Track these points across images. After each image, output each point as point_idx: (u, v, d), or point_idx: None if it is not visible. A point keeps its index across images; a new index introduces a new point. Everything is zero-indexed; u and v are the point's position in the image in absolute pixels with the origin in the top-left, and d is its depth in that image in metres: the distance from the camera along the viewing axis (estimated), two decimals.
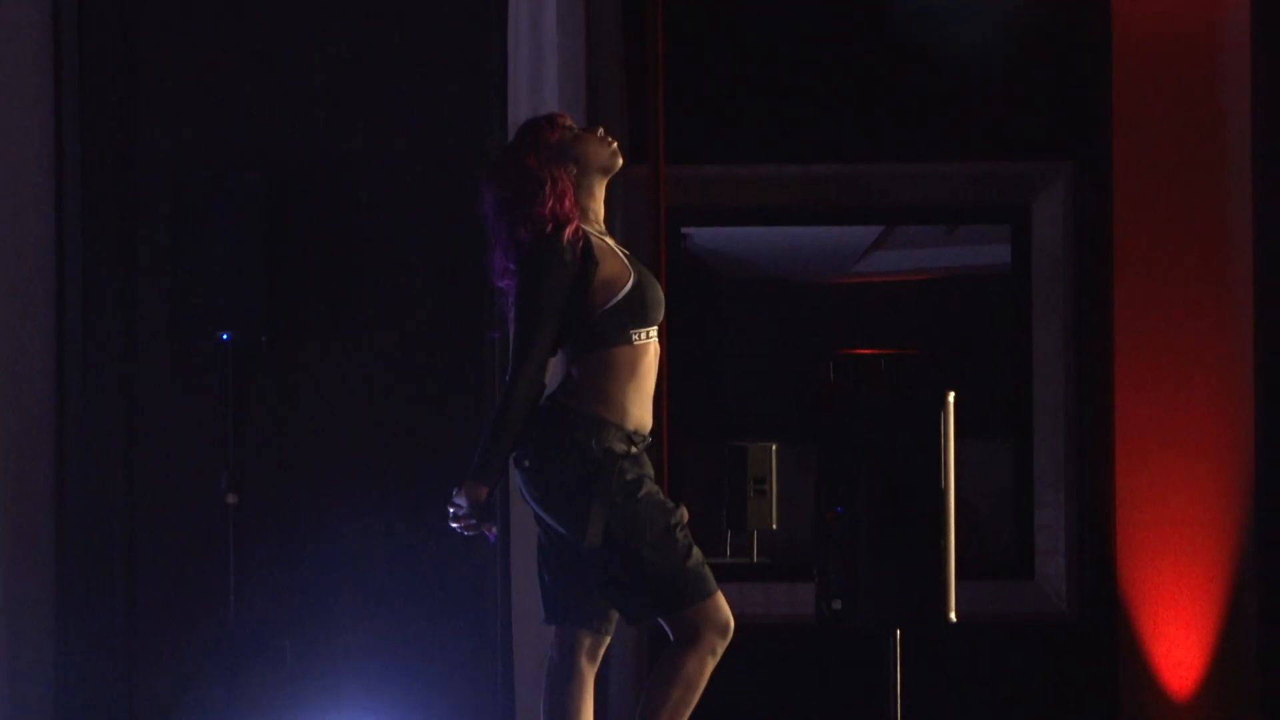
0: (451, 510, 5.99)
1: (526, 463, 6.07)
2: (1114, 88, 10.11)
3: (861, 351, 8.21)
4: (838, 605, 7.84)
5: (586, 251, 6.05)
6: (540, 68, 7.86)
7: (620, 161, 6.26)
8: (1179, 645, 10.05)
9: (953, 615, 7.83)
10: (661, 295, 6.20)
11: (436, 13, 8.45)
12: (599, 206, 6.22)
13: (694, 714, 6.13)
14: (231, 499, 8.25)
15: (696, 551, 6.09)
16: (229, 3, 8.55)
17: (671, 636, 6.11)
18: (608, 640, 6.24)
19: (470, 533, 6.02)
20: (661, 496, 6.13)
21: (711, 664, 6.09)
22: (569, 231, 6.04)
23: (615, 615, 6.21)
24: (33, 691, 8.09)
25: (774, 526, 8.20)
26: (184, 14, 8.55)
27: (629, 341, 6.08)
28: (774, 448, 8.22)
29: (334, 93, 8.49)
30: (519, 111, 7.75)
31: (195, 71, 8.50)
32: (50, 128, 8.21)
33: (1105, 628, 10.03)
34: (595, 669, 6.21)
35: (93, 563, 8.37)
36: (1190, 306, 10.12)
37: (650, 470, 6.15)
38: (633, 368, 6.09)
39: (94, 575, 8.36)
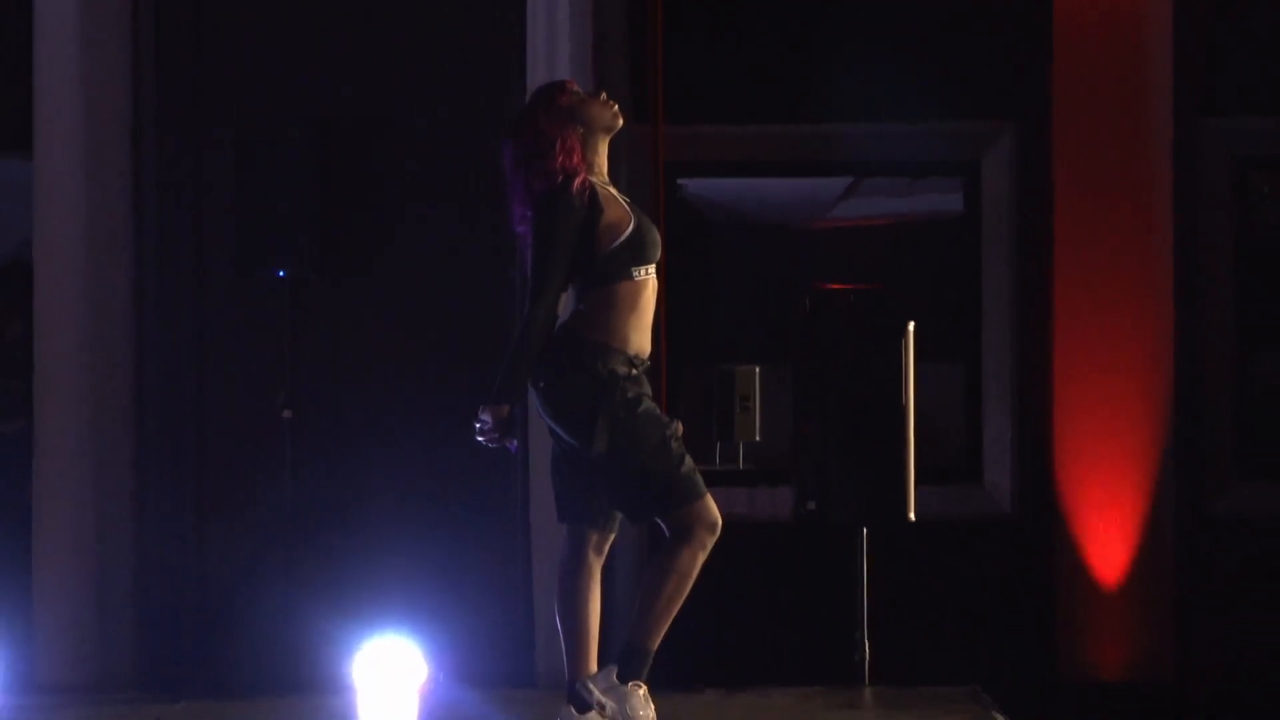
0: (478, 425, 5.99)
1: (542, 383, 6.07)
2: (1054, 56, 10.09)
3: (833, 286, 8.19)
4: (812, 506, 7.85)
5: (593, 200, 6.05)
6: (553, 40, 7.83)
7: (621, 122, 6.26)
8: (1108, 542, 10.06)
9: (912, 515, 7.85)
10: (658, 237, 6.20)
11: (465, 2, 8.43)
12: (603, 161, 6.21)
13: (686, 602, 6.14)
14: (287, 414, 8.25)
15: (689, 459, 6.10)
16: None
17: (667, 533, 6.11)
18: (612, 537, 6.25)
19: (494, 444, 6.03)
20: (658, 412, 6.13)
21: (702, 557, 6.09)
22: (577, 183, 6.03)
23: (618, 515, 6.21)
24: (117, 573, 8.09)
25: (757, 438, 8.20)
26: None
27: (630, 278, 6.07)
28: (757, 370, 8.22)
29: (376, 61, 8.46)
30: (535, 78, 7.72)
31: (255, 40, 8.46)
32: (129, 94, 8.16)
33: (1044, 527, 10.04)
34: (601, 562, 6.22)
35: (167, 466, 8.36)
36: (1119, 248, 10.12)
37: (649, 390, 6.15)
38: (634, 300, 6.09)
39: (169, 477, 8.36)
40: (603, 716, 6.14)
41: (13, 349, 8.42)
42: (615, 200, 6.13)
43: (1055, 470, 10.05)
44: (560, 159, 6.04)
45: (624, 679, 6.12)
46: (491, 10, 8.27)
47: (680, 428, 6.12)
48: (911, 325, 7.81)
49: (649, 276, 6.12)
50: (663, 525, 6.12)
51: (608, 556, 6.25)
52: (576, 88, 6.30)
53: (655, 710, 6.15)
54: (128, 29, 8.15)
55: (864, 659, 7.74)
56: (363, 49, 8.44)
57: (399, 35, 8.42)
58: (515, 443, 6.12)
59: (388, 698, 7.23)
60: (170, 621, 8.27)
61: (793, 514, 7.94)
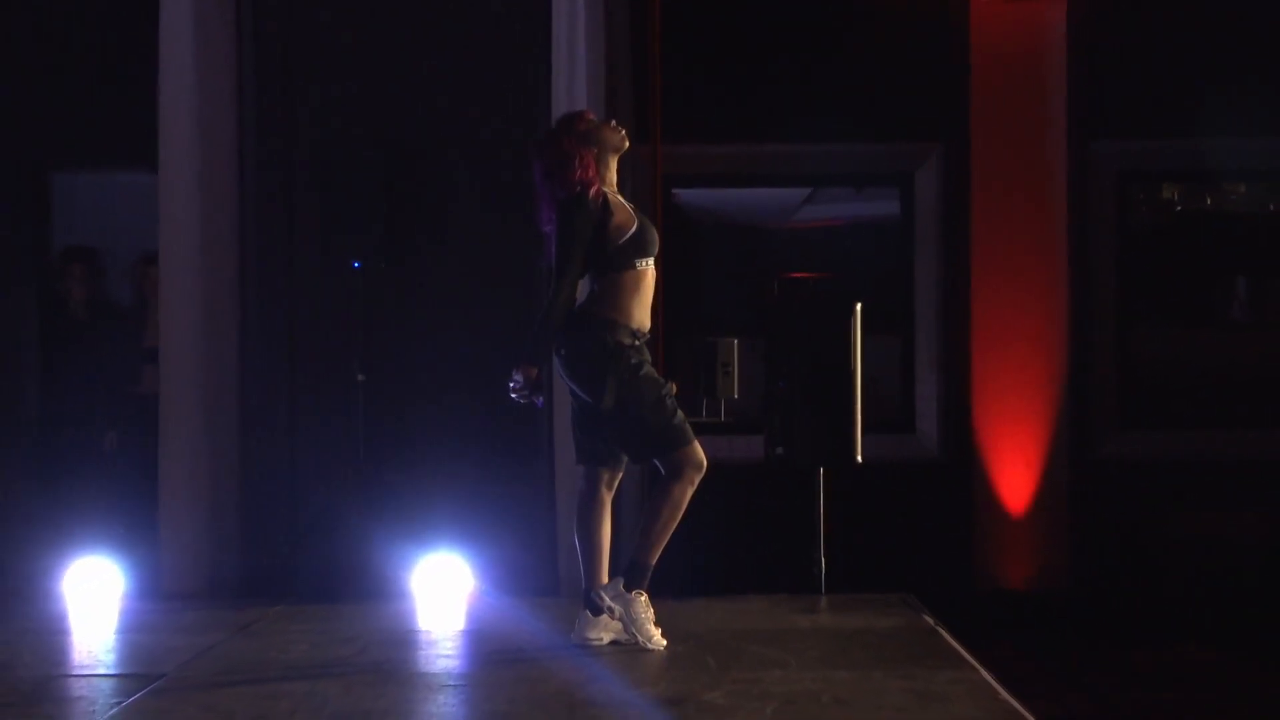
0: (511, 384, 6.01)
1: (563, 351, 6.09)
2: (971, 92, 10.10)
3: (796, 275, 8.16)
4: (780, 451, 7.82)
5: (604, 206, 6.08)
6: (573, 77, 7.81)
7: (627, 144, 6.30)
8: (1015, 479, 10.05)
9: (859, 458, 7.81)
10: (657, 235, 6.24)
11: (502, 42, 8.37)
12: (613, 174, 6.23)
13: (678, 527, 6.12)
14: (360, 377, 8.23)
15: (680, 413, 6.13)
16: (358, 35, 8.44)
17: (663, 472, 6.12)
18: (619, 475, 6.29)
19: (524, 400, 6.06)
20: (656, 375, 6.16)
21: (691, 491, 6.12)
22: (592, 192, 6.06)
23: (624, 457, 6.21)
24: (226, 504, 8.08)
25: (735, 396, 8.17)
26: (326, 41, 8.42)
27: (634, 267, 6.09)
28: (735, 341, 8.18)
29: (430, 92, 8.43)
30: (558, 107, 7.68)
31: (334, 76, 8.43)
32: (235, 119, 8.14)
33: (964, 467, 10.03)
34: (611, 495, 6.27)
35: (266, 419, 8.35)
36: (1024, 245, 10.12)
37: (649, 357, 6.17)
38: (637, 285, 6.10)
39: (267, 427, 8.34)
40: (611, 618, 6.16)
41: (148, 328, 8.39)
42: (622, 205, 6.15)
43: (974, 422, 10.04)
44: (579, 173, 6.05)
45: (629, 588, 6.13)
46: (522, 52, 8.25)
47: (674, 387, 6.15)
48: (859, 306, 7.78)
49: (649, 267, 6.14)
50: (659, 465, 6.14)
51: (616, 491, 6.26)
52: (592, 116, 6.39)
53: (654, 613, 6.14)
54: (233, 68, 8.12)
55: (820, 573, 7.72)
56: (419, 83, 8.41)
57: (448, 71, 8.40)
58: (541, 399, 6.16)
59: (441, 603, 7.21)
60: (269, 542, 8.27)
61: (764, 457, 7.91)
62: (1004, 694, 5.33)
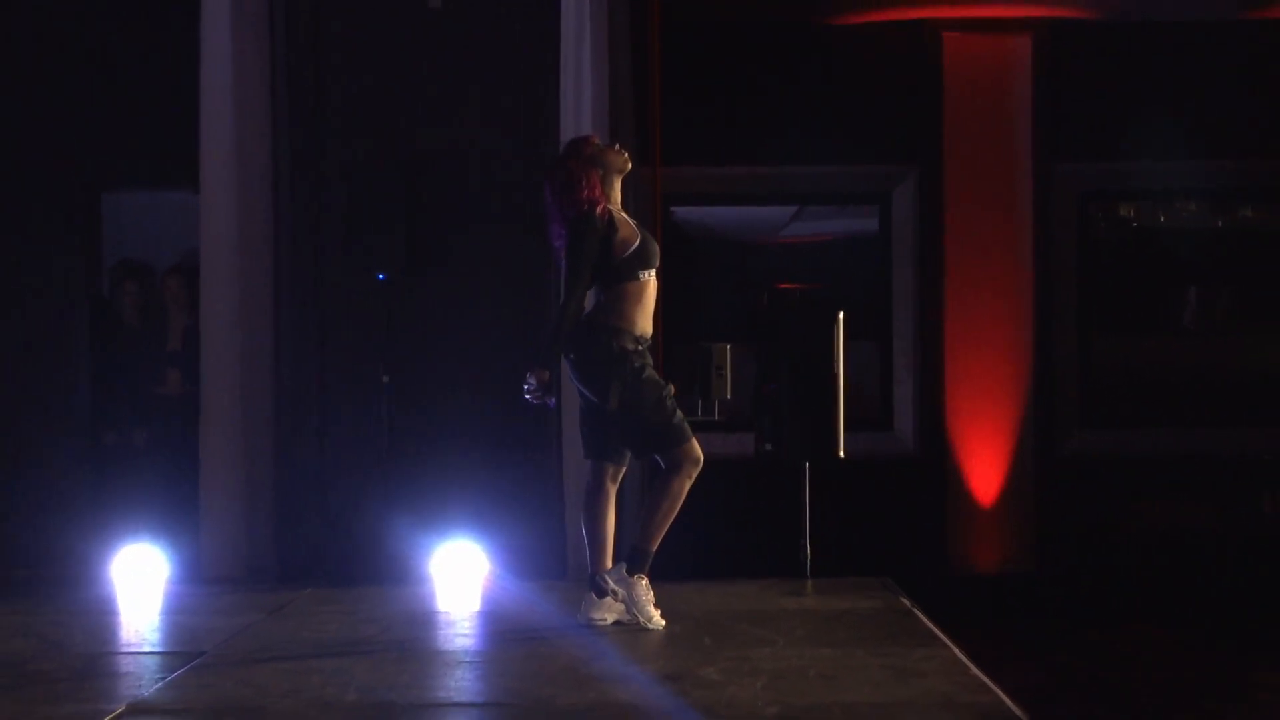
0: (525, 385, 6.01)
1: (572, 356, 6.07)
2: (945, 117, 10.10)
3: (785, 286, 8.15)
4: (769, 447, 7.81)
5: (609, 222, 6.06)
6: (580, 105, 7.81)
7: (630, 166, 6.29)
8: (984, 473, 10.04)
9: (842, 453, 7.79)
10: (657, 249, 6.23)
11: (514, 72, 8.37)
12: (617, 193, 6.22)
13: (676, 517, 6.12)
14: (385, 379, 8.22)
15: (679, 412, 6.12)
16: (382, 65, 8.43)
17: (663, 466, 6.10)
18: (623, 469, 6.27)
19: (537, 400, 6.05)
20: (657, 377, 6.15)
21: (688, 484, 6.11)
22: (598, 210, 6.05)
23: (628, 453, 6.19)
24: (261, 496, 8.08)
25: (728, 396, 8.13)
26: (353, 72, 8.42)
27: (637, 279, 6.08)
28: (728, 346, 8.15)
29: (448, 116, 8.43)
30: (566, 132, 7.68)
31: (358, 101, 8.41)
32: (269, 144, 8.15)
33: (937, 462, 10.02)
34: (616, 488, 6.24)
35: (298, 416, 8.33)
36: (993, 258, 10.13)
37: (650, 361, 6.16)
38: (639, 295, 6.09)
39: (298, 424, 8.32)
40: (615, 600, 6.15)
41: (190, 332, 8.38)
42: (626, 222, 6.14)
43: (946, 420, 10.03)
44: (586, 192, 6.04)
45: (631, 573, 6.12)
46: (533, 81, 8.24)
47: (673, 388, 6.15)
48: (841, 314, 7.77)
49: (651, 278, 6.13)
50: (660, 460, 6.13)
51: (619, 484, 6.24)
52: (597, 140, 6.35)
53: (654, 596, 6.13)
54: (267, 97, 8.13)
55: (806, 559, 7.71)
56: (437, 109, 8.40)
57: (464, 99, 8.39)
58: (553, 400, 6.13)
59: (458, 587, 7.20)
60: (300, 531, 8.26)
61: (755, 453, 7.89)
62: (974, 669, 5.32)
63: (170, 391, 8.57)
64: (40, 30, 8.58)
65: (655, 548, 6.12)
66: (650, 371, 6.08)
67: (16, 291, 8.55)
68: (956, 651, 5.64)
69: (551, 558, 7.92)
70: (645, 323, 6.10)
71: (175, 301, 8.66)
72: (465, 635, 6.26)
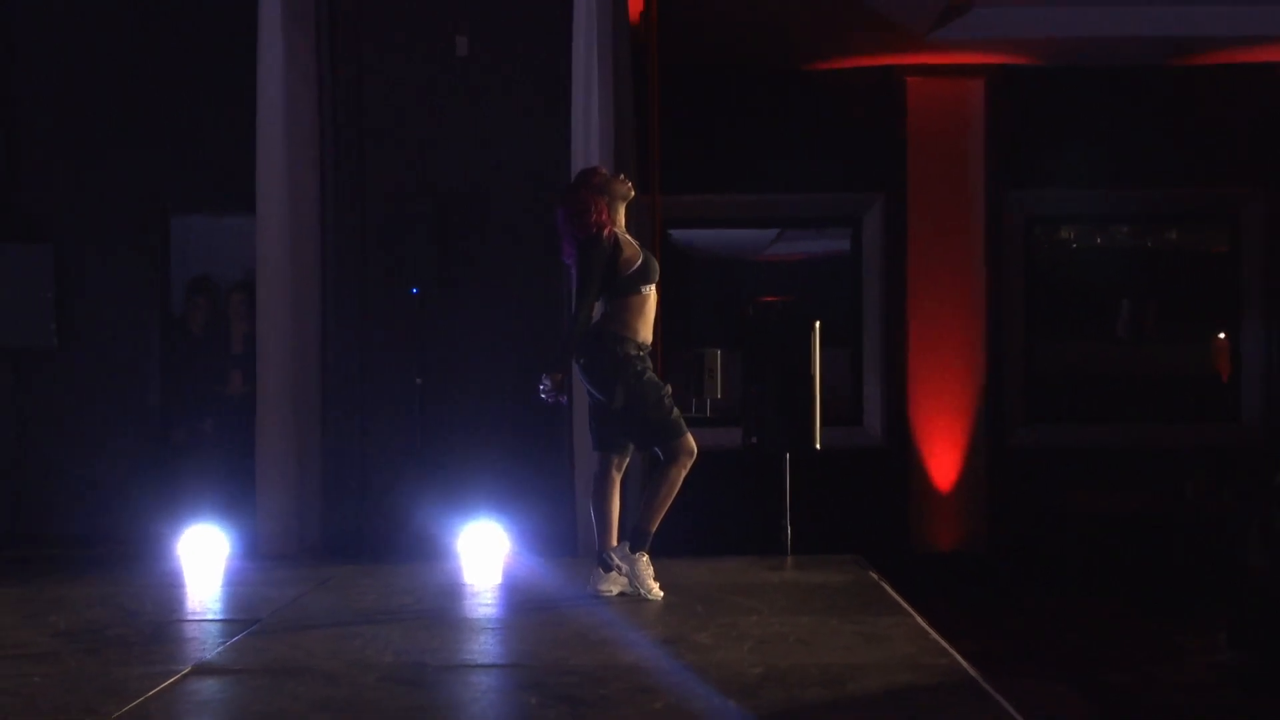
0: (541, 387, 5.99)
1: (582, 360, 6.05)
2: (908, 151, 10.15)
3: (768, 299, 8.13)
4: (754, 440, 7.79)
5: (615, 243, 6.04)
6: (588, 140, 7.78)
7: (633, 193, 6.26)
8: (942, 462, 10.04)
9: (818, 445, 7.76)
10: (657, 266, 6.20)
11: (530, 113, 8.35)
12: (622, 218, 6.20)
13: (673, 501, 6.10)
14: (418, 381, 8.19)
15: (676, 409, 6.10)
16: (415, 107, 8.42)
17: (662, 457, 6.09)
18: (627, 460, 6.25)
19: (551, 399, 6.03)
20: (657, 379, 6.13)
21: (684, 473, 6.10)
22: (606, 233, 6.03)
23: (630, 445, 6.18)
24: (309, 481, 8.06)
25: (719, 396, 8.12)
26: (390, 113, 8.41)
27: (639, 293, 6.06)
28: (719, 352, 8.13)
29: (473, 155, 8.39)
30: (576, 164, 7.66)
31: (396, 142, 8.39)
32: (318, 176, 8.14)
33: (901, 453, 10.04)
34: (620, 476, 6.23)
35: (342, 413, 8.30)
36: (951, 273, 10.16)
37: (651, 364, 6.15)
38: (641, 307, 6.08)
39: (342, 420, 8.30)
40: (619, 574, 6.14)
41: (250, 339, 8.38)
42: (630, 243, 6.12)
43: (910, 416, 10.05)
44: (594, 217, 6.01)
45: (633, 550, 6.12)
46: (547, 119, 8.21)
47: (670, 389, 6.11)
48: (817, 323, 7.75)
49: (651, 292, 6.11)
50: (659, 452, 6.11)
51: (623, 472, 6.23)
52: (605, 171, 6.34)
53: (653, 570, 6.12)
54: (316, 134, 8.13)
55: (787, 538, 7.69)
56: (463, 145, 8.37)
57: (486, 135, 8.35)
58: (565, 398, 6.12)
59: (482, 562, 7.19)
60: (344, 513, 8.24)
61: (742, 445, 7.88)
62: (934, 635, 5.31)
63: (233, 391, 8.56)
64: (119, 74, 8.59)
65: (654, 528, 6.11)
66: (651, 374, 6.06)
67: (97, 305, 8.54)
68: (919, 619, 5.62)
69: (563, 537, 7.90)
70: (646, 331, 6.09)
71: (238, 313, 8.65)
72: (488, 605, 6.25)
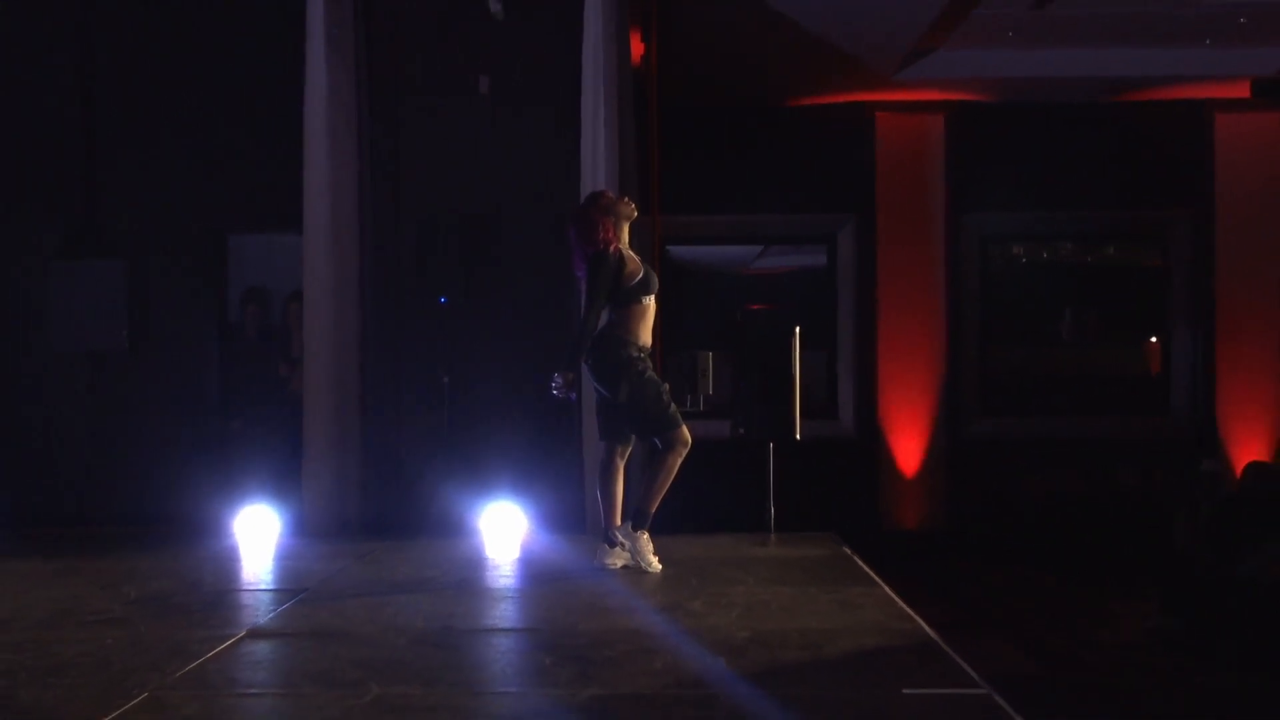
0: (553, 384, 5.96)
1: (590, 361, 6.05)
2: (877, 176, 10.14)
3: (755, 307, 8.13)
4: (742, 431, 7.79)
5: (620, 259, 6.02)
6: (595, 166, 7.76)
7: (636, 214, 6.22)
8: (907, 451, 10.03)
9: (798, 436, 7.76)
10: (657, 279, 6.19)
11: (544, 142, 8.33)
12: (626, 235, 6.16)
13: (670, 485, 6.10)
14: (445, 378, 8.19)
15: (673, 404, 6.09)
16: (442, 137, 8.41)
17: (660, 447, 6.07)
18: (630, 448, 6.23)
19: (562, 395, 6.01)
20: (656, 377, 6.11)
21: (680, 460, 6.08)
22: (611, 249, 6.01)
23: (633, 435, 6.17)
24: (350, 465, 8.01)
25: (711, 392, 8.11)
26: (421, 143, 8.39)
27: (640, 302, 6.05)
28: (710, 354, 8.13)
29: (493, 179, 8.36)
30: (585, 187, 7.66)
31: (427, 167, 8.38)
32: (356, 198, 8.10)
33: (872, 443, 10.02)
34: (623, 463, 6.21)
35: (380, 404, 8.27)
36: (915, 285, 10.14)
37: (651, 365, 6.13)
38: (643, 315, 6.06)
39: (379, 410, 8.27)
40: (623, 550, 6.13)
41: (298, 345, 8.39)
42: (633, 258, 6.10)
43: (879, 410, 10.05)
44: (602, 234, 6.00)
45: (635, 529, 6.12)
46: (559, 151, 8.19)
47: (668, 386, 6.11)
48: (798, 329, 7.75)
49: (651, 301, 6.10)
50: (658, 442, 6.09)
51: (626, 460, 6.21)
52: (610, 194, 6.36)
53: (653, 546, 6.12)
54: (355, 162, 8.10)
55: (771, 518, 7.69)
56: (485, 170, 8.35)
57: (505, 161, 8.33)
58: (574, 394, 6.10)
59: (502, 539, 7.19)
60: (380, 495, 8.22)
61: (731, 435, 7.87)
62: (900, 603, 5.31)
63: (296, 388, 8.57)
64: (183, 109, 8.59)
65: (654, 509, 6.11)
66: (651, 373, 6.06)
67: (163, 313, 8.56)
68: (887, 590, 5.63)
69: (573, 516, 7.90)
70: (647, 336, 6.08)
71: (296, 320, 8.64)
72: (507, 576, 6.24)
